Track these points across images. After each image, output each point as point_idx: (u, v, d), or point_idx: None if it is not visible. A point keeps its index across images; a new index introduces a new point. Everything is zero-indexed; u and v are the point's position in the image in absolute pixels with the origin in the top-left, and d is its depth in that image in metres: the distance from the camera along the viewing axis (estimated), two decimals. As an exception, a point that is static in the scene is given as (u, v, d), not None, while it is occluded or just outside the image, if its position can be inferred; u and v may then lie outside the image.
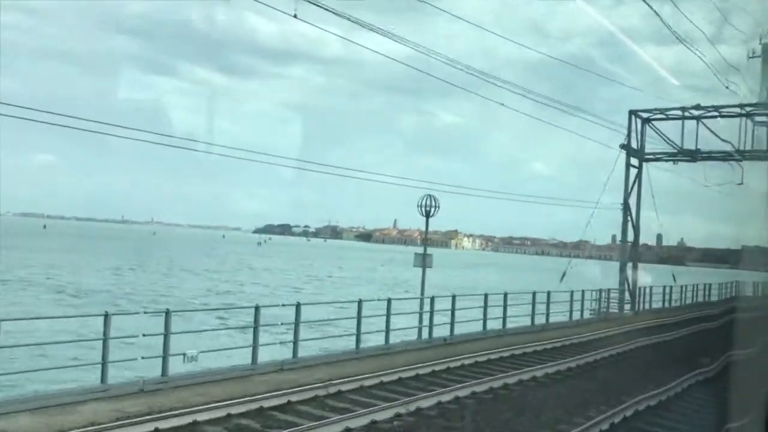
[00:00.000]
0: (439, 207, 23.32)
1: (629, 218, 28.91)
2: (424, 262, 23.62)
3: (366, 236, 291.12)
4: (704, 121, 27.07)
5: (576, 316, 24.39)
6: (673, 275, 31.54)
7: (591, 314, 26.50)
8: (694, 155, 27.13)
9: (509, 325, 20.98)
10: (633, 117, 27.90)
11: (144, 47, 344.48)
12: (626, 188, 28.44)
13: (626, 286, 29.13)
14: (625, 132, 27.73)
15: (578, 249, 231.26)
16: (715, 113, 26.67)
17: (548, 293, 22.20)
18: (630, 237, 29.81)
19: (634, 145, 28.16)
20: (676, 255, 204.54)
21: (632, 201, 29.12)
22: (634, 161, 28.82)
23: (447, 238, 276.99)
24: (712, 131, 26.78)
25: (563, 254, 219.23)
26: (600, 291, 26.92)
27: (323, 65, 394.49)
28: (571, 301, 23.87)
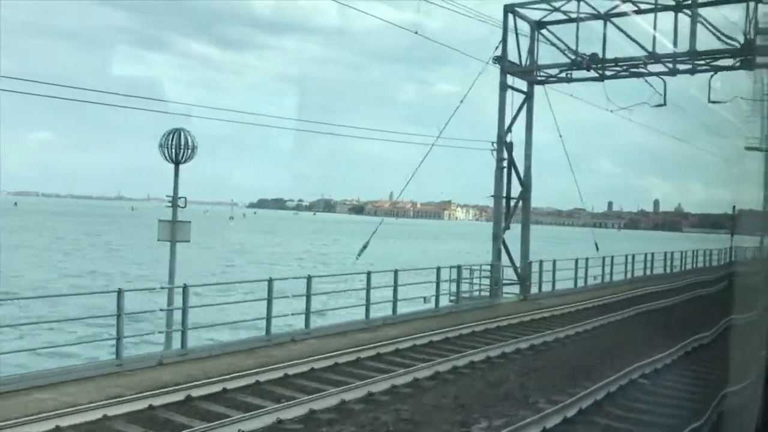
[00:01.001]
0: (195, 149, 15.04)
1: (512, 167, 20.33)
2: (173, 232, 15.44)
3: (359, 209, 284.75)
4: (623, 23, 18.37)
5: (404, 308, 16.12)
6: (596, 243, 23.07)
7: (451, 301, 18.24)
8: (595, 66, 18.30)
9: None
10: (512, 17, 19.08)
11: (138, 21, 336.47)
12: (501, 122, 19.70)
13: (508, 260, 20.66)
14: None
15: (572, 217, 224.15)
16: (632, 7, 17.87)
17: (308, 278, 13.70)
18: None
19: (515, 57, 19.41)
20: (672, 221, 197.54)
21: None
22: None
23: (440, 209, 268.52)
24: (629, 36, 18.07)
25: (556, 222, 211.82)
26: (457, 268, 18.44)
27: (319, 36, 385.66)
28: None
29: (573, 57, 18.36)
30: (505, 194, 20.09)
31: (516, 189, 20.47)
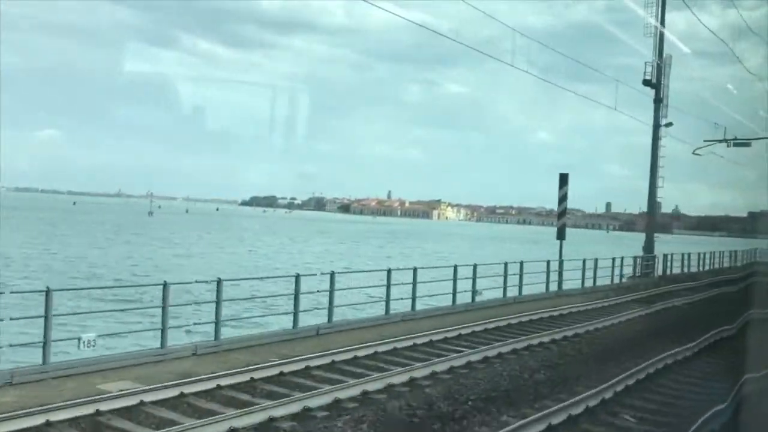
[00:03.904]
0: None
1: None
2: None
3: (345, 207, 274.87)
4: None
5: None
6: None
7: None
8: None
9: None
10: None
11: (144, 18, 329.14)
12: None
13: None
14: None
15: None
16: None
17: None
18: None
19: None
20: (666, 223, 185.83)
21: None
22: None
23: (429, 208, 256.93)
24: None
25: (545, 222, 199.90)
26: None
27: (327, 35, 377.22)
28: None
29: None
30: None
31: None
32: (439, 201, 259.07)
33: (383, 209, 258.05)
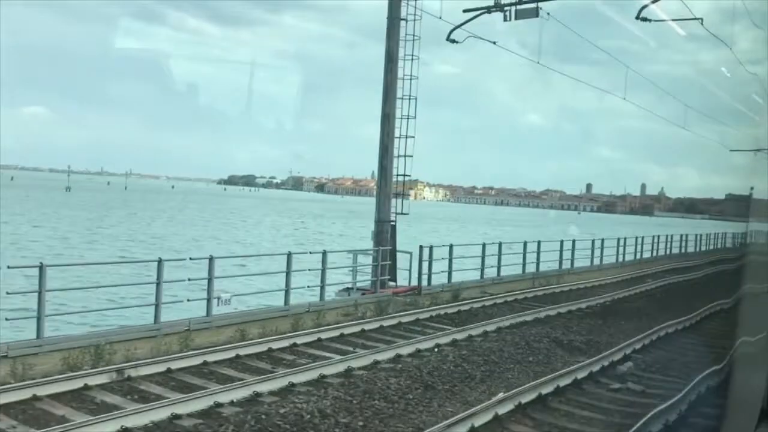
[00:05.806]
0: None
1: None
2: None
3: (321, 186, 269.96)
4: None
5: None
6: None
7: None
8: None
9: None
10: None
11: None
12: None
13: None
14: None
15: (539, 198, 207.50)
16: None
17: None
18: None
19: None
20: (646, 205, 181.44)
21: None
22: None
23: (405, 188, 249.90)
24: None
25: (522, 203, 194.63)
26: None
27: (317, 12, 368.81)
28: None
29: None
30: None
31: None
32: (416, 181, 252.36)
33: (359, 189, 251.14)
